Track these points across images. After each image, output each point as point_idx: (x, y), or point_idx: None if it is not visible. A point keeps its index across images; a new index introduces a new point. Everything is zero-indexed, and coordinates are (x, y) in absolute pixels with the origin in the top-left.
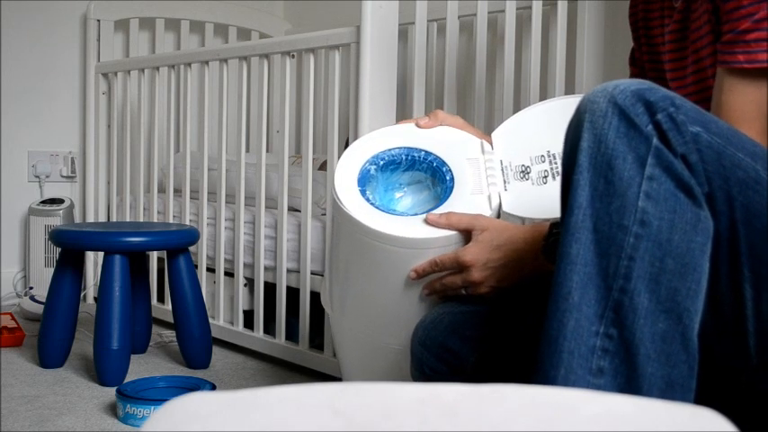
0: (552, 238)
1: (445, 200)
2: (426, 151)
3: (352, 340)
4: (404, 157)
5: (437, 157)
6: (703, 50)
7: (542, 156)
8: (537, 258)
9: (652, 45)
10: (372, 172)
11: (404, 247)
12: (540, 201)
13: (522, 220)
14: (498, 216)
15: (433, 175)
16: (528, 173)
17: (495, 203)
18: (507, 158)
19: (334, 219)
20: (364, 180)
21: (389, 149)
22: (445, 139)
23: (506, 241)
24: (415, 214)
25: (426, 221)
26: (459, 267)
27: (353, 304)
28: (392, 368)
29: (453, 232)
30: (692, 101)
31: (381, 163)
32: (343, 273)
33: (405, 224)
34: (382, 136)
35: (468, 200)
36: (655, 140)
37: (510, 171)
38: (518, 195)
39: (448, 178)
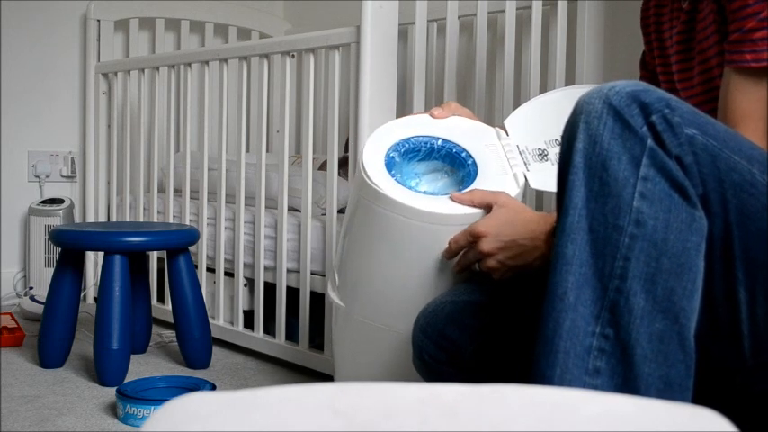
0: None
1: (471, 182)
2: (444, 139)
3: (357, 330)
4: (423, 146)
5: (456, 144)
6: (709, 50)
7: (556, 139)
8: (548, 243)
9: (663, 48)
10: (397, 159)
11: (428, 222)
12: None
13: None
14: (525, 193)
15: (451, 163)
16: (546, 155)
17: (521, 182)
18: (523, 143)
19: (359, 201)
20: (390, 166)
21: (409, 138)
22: (461, 128)
23: (521, 221)
24: (446, 194)
25: (451, 199)
26: (473, 239)
27: (366, 289)
28: (395, 357)
29: (477, 210)
30: (698, 102)
31: (402, 150)
32: (361, 254)
33: (431, 200)
34: (400, 126)
35: (494, 181)
36: (649, 141)
37: (528, 154)
38: (541, 174)
39: (469, 163)
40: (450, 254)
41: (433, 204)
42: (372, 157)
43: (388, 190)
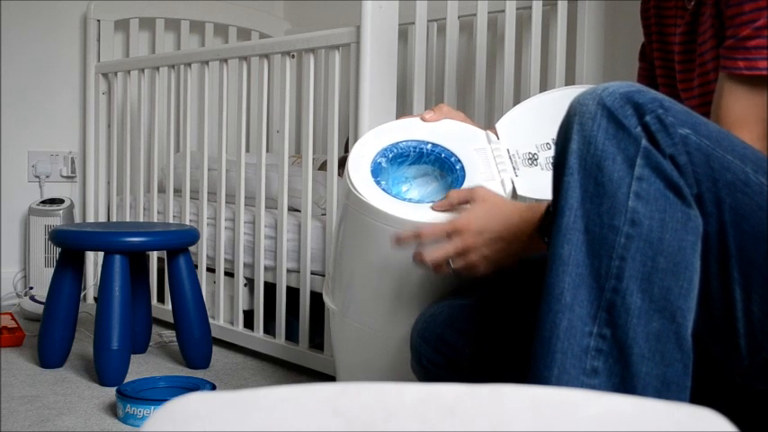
0: (549, 218)
1: (458, 187)
2: (434, 143)
3: (354, 334)
4: (412, 150)
5: (445, 149)
6: (707, 54)
7: (548, 143)
8: (531, 237)
9: (665, 44)
10: (384, 165)
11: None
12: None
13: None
14: (514, 198)
15: (440, 167)
16: (536, 159)
17: (508, 188)
18: (514, 147)
19: (346, 208)
20: (377, 172)
21: (398, 142)
22: (451, 132)
23: (503, 214)
24: (432, 202)
25: (433, 209)
26: (452, 232)
27: (358, 294)
28: (392, 360)
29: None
30: (695, 104)
31: (391, 155)
32: (350, 261)
33: (414, 209)
34: (389, 130)
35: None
36: (644, 141)
37: (518, 158)
38: (529, 180)
39: (458, 168)
40: (402, 242)
41: (416, 213)
42: (358, 165)
43: (373, 199)
